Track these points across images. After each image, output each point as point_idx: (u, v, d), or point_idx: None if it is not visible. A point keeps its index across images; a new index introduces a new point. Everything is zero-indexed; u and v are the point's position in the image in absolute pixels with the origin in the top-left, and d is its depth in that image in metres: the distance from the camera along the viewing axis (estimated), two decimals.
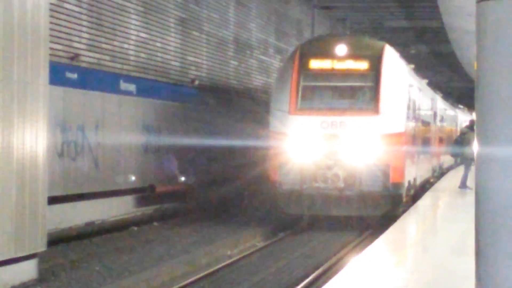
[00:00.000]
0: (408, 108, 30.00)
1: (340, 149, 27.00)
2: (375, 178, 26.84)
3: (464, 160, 36.62)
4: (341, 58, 28.49)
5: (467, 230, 15.03)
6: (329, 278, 16.61)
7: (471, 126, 36.47)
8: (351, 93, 29.05)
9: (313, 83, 29.24)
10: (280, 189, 27.47)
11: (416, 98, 34.47)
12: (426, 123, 41.68)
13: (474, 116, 64.41)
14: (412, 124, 31.89)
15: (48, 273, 19.18)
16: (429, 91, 47.42)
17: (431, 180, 46.02)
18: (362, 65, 28.64)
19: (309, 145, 27.19)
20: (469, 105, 76.85)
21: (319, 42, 32.22)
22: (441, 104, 55.67)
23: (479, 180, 11.09)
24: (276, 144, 27.86)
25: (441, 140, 53.50)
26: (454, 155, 44.69)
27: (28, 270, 18.58)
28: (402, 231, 25.48)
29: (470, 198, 25.61)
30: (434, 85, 58.11)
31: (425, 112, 40.59)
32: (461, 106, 71.52)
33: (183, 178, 35.20)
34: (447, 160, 56.93)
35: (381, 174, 26.93)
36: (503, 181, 10.69)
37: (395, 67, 29.00)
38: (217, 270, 21.57)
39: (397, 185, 27.57)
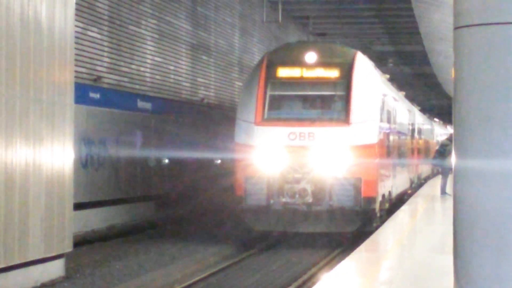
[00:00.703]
0: (382, 118, 25.13)
1: (308, 162, 22.56)
2: (346, 192, 22.15)
3: (444, 169, 36.18)
4: (311, 66, 23.85)
5: (446, 231, 15.05)
6: None
7: (451, 139, 35.78)
8: (320, 103, 24.33)
9: (280, 92, 24.37)
10: (246, 204, 22.64)
11: (391, 108, 29.63)
12: (402, 134, 36.84)
13: (449, 129, 64.60)
14: (386, 135, 26.94)
15: (74, 271, 19.23)
16: (406, 103, 43.18)
17: (409, 191, 40.58)
18: (333, 73, 23.96)
19: (276, 158, 22.60)
20: (446, 119, 76.78)
21: (288, 49, 26.93)
22: (419, 117, 51.81)
23: (456, 188, 11.18)
24: (241, 156, 23.04)
25: (419, 152, 49.06)
26: (436, 165, 41.64)
27: (56, 268, 18.64)
28: (385, 234, 23.27)
29: (449, 203, 25.11)
30: (417, 102, 58.02)
31: (401, 123, 35.63)
32: (437, 120, 70.90)
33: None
34: (425, 170, 53.58)
35: (352, 188, 22.24)
36: (478, 189, 10.79)
37: (367, 75, 24.39)
38: None
39: (370, 200, 22.80)
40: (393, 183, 29.42)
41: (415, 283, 13.74)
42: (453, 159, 11.49)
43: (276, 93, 23.89)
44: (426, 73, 65.79)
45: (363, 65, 24.22)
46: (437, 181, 45.56)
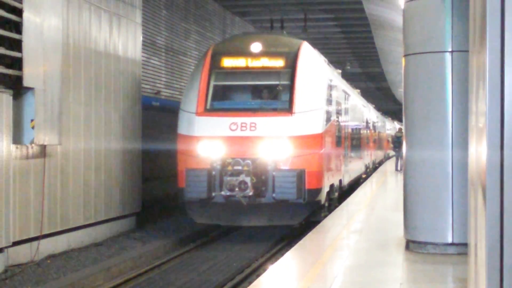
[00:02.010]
0: (329, 108, 18.43)
1: (250, 153, 16.09)
2: (289, 184, 15.83)
3: (397, 152, 35.36)
4: (256, 56, 17.31)
5: (398, 196, 15.02)
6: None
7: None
8: (264, 93, 17.62)
9: (224, 82, 17.78)
10: (187, 197, 16.22)
11: (342, 100, 22.75)
12: (357, 126, 29.38)
13: (396, 125, 63.78)
14: (335, 125, 20.11)
15: (143, 224, 19.25)
16: (361, 100, 35.30)
17: (364, 176, 32.62)
18: (277, 62, 17.31)
19: (217, 149, 16.19)
20: (394, 118, 76.25)
21: (234, 40, 19.90)
22: (374, 113, 43.79)
23: (406, 166, 11.27)
24: (183, 148, 16.70)
25: (374, 141, 41.29)
26: (394, 150, 37.30)
27: (130, 223, 18.77)
28: (355, 199, 21.50)
29: (400, 177, 24.58)
30: (377, 107, 57.45)
31: (355, 115, 28.26)
32: (388, 117, 69.61)
33: None
34: (379, 156, 47.49)
35: (295, 180, 15.84)
36: (420, 167, 10.88)
37: (313, 65, 17.69)
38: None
39: (314, 192, 16.44)
40: (344, 172, 22.69)
41: (377, 231, 13.72)
42: (404, 146, 11.63)
43: (220, 83, 17.50)
44: (383, 87, 65.16)
45: (308, 55, 17.75)
46: (389, 163, 45.35)
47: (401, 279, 9.05)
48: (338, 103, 20.69)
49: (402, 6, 11.65)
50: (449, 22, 10.45)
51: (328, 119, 17.84)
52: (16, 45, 13.07)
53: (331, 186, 18.73)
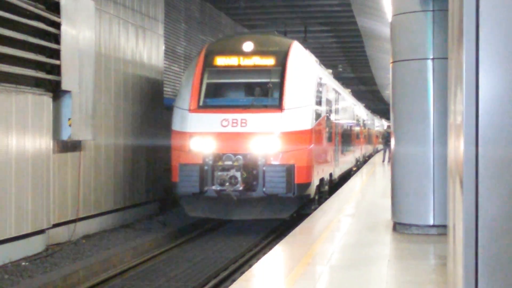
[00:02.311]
0: (318, 105, 16.55)
1: (241, 149, 14.53)
2: (279, 179, 14.29)
3: (386, 146, 35.15)
4: (247, 55, 15.65)
5: (386, 184, 15.02)
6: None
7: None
8: (255, 90, 15.74)
9: (217, 80, 15.94)
10: (180, 191, 14.66)
11: (332, 98, 20.54)
12: (347, 122, 26.76)
13: (384, 122, 63.46)
14: (325, 121, 18.04)
15: (165, 209, 19.18)
16: (352, 99, 32.51)
17: (354, 168, 30.44)
18: (268, 61, 15.62)
19: (208, 145, 14.63)
20: (383, 116, 75.81)
21: (227, 40, 17.88)
22: (364, 111, 41.30)
23: (393, 158, 11.24)
24: (176, 143, 15.08)
25: (364, 137, 38.89)
26: (383, 144, 36.89)
27: (154, 208, 18.78)
28: (349, 186, 21.37)
29: (387, 167, 24.43)
30: (367, 106, 57.13)
31: (345, 112, 25.93)
32: (377, 116, 68.76)
33: None
34: (368, 150, 45.53)
35: (285, 175, 14.27)
36: (405, 159, 10.85)
37: (302, 64, 15.93)
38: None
39: (303, 186, 14.83)
40: (335, 166, 20.79)
41: (368, 215, 13.71)
42: (392, 141, 11.61)
43: (213, 81, 15.74)
44: (374, 90, 65.00)
45: (298, 53, 16.00)
46: (378, 156, 45.14)
47: (389, 256, 9.04)
48: (328, 101, 18.93)
49: (390, 20, 11.62)
50: (431, 33, 10.43)
51: (317, 116, 16.17)
52: (55, 54, 13.12)
53: (321, 179, 17.07)
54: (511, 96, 4.02)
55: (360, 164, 34.65)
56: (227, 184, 14.02)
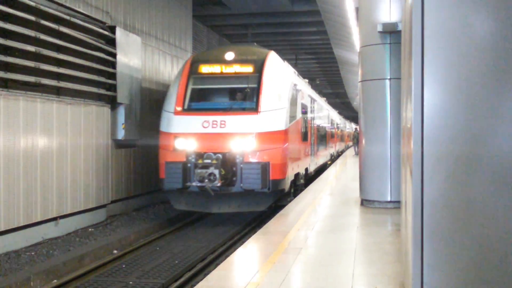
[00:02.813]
0: (293, 108, 14.32)
1: (220, 148, 12.31)
2: (255, 176, 12.22)
3: (356, 143, 34.88)
4: (229, 63, 13.48)
5: (356, 171, 14.85)
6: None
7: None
8: (234, 94, 13.47)
9: (200, 86, 13.51)
10: (166, 186, 12.44)
11: (308, 103, 18.05)
12: (322, 124, 23.74)
13: (353, 125, 63.07)
14: (300, 122, 15.72)
15: None
16: (326, 105, 28.69)
17: (329, 162, 27.32)
18: (247, 69, 13.45)
19: (191, 145, 12.38)
20: (353, 121, 75.37)
21: (211, 51, 14.97)
22: (337, 116, 38.42)
23: (362, 151, 11.17)
24: (163, 143, 12.85)
25: (338, 136, 36.17)
26: (353, 142, 36.74)
27: None
28: (326, 175, 20.29)
29: (356, 159, 24.04)
30: (342, 114, 56.67)
31: (320, 116, 22.92)
32: (348, 120, 67.37)
33: None
34: (341, 147, 42.86)
35: (260, 171, 12.16)
36: (371, 152, 10.78)
37: (277, 71, 13.67)
38: None
39: (278, 182, 12.57)
40: (310, 161, 18.31)
41: (343, 193, 13.61)
42: (360, 140, 11.56)
43: (197, 86, 13.47)
44: (346, 101, 64.96)
45: (274, 62, 13.88)
46: (349, 151, 44.98)
47: (358, 224, 9.01)
48: (303, 105, 16.54)
49: (358, 50, 11.58)
50: (388, 60, 10.39)
51: (292, 118, 13.93)
52: (112, 76, 13.15)
53: (297, 174, 14.83)
54: (448, 106, 4.02)
55: (334, 158, 32.32)
56: (206, 180, 11.87)
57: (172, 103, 13.07)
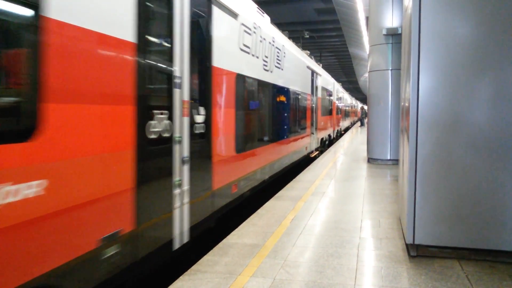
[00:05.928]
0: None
1: None
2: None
3: (363, 118, 34.41)
4: None
5: (364, 137, 14.63)
6: None
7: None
8: None
9: None
10: None
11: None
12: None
13: (359, 104, 61.13)
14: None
15: None
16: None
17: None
18: None
19: None
20: (362, 102, 73.38)
21: None
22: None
23: (369, 123, 10.94)
24: None
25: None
26: (362, 117, 34.45)
27: None
28: (339, 143, 18.67)
29: (365, 128, 23.91)
30: (354, 96, 55.33)
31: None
32: (358, 101, 65.35)
33: None
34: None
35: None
36: (376, 124, 10.56)
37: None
38: None
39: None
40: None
41: (354, 153, 13.42)
42: (367, 115, 11.31)
43: None
44: (357, 87, 63.42)
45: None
46: (359, 123, 44.15)
47: (365, 175, 8.92)
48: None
49: (368, 48, 11.21)
50: (390, 55, 10.07)
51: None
52: None
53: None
54: (437, 88, 3.91)
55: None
56: None
57: None
